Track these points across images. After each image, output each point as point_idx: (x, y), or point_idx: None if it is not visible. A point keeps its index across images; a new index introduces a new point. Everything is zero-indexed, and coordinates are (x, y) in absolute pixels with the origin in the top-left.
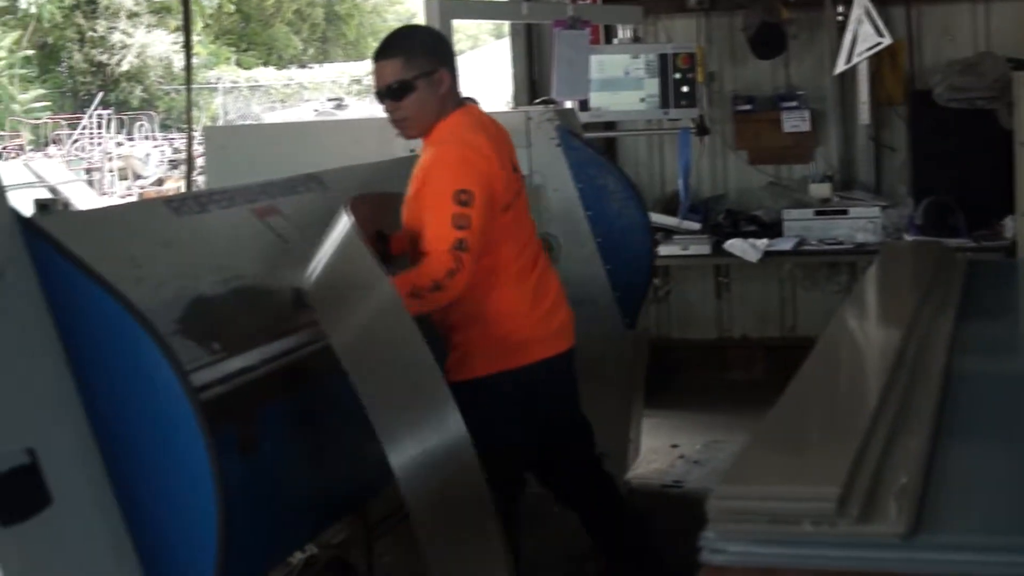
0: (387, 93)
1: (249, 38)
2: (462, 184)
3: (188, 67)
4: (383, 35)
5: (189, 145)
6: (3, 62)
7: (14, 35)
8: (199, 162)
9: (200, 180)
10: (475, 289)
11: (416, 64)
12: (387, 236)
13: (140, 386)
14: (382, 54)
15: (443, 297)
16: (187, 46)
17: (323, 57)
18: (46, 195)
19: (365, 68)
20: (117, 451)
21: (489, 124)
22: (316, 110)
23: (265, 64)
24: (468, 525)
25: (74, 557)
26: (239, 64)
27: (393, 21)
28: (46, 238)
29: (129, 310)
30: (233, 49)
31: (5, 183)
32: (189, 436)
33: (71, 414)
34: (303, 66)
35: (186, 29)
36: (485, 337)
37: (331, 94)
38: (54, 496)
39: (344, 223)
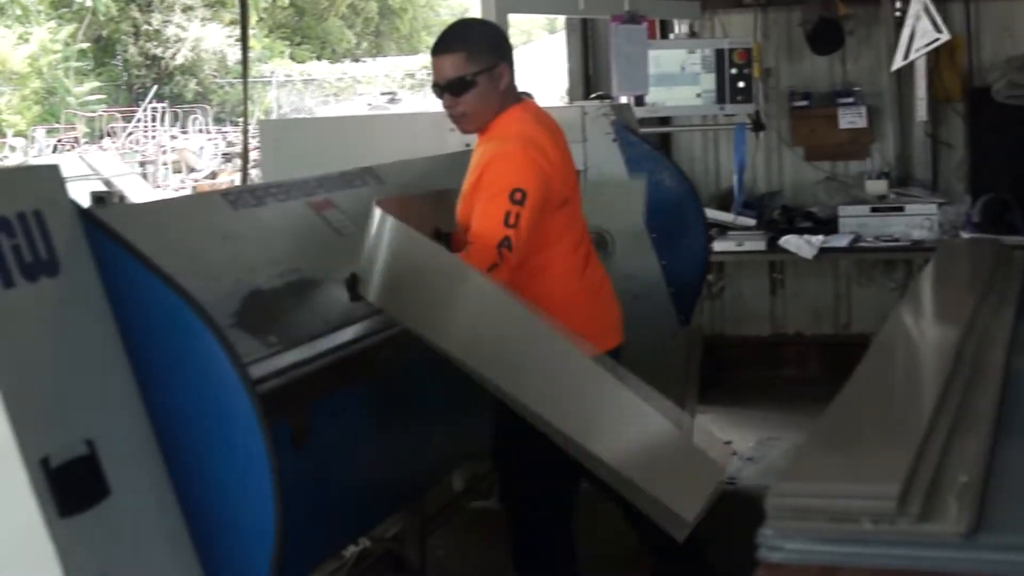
0: (447, 88)
1: (303, 32)
2: (520, 183)
3: (244, 61)
4: (436, 29)
5: (245, 139)
6: (59, 55)
7: (70, 28)
8: (253, 155)
9: (254, 173)
10: (535, 284)
11: (477, 60)
12: (447, 234)
13: (198, 378)
14: (442, 48)
15: None
16: (243, 40)
17: (376, 51)
18: (101, 188)
19: (418, 62)
20: (174, 442)
21: (546, 119)
22: (369, 104)
23: (318, 58)
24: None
25: (131, 548)
26: (293, 58)
27: (447, 15)
28: (105, 230)
29: (188, 302)
30: (287, 43)
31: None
32: (246, 429)
33: (129, 405)
34: (356, 60)
35: (243, 23)
36: None
37: (384, 88)
38: (112, 487)
39: (388, 225)
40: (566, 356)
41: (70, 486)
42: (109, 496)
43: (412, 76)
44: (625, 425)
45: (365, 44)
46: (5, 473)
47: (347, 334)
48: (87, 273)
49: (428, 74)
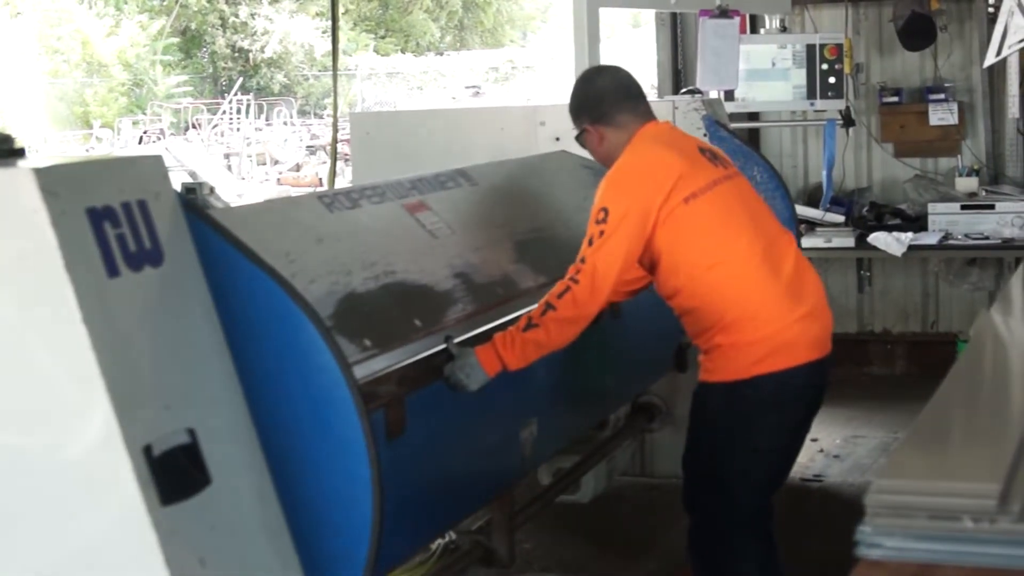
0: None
1: (387, 25)
2: (602, 204)
3: (335, 54)
4: (520, 23)
5: (334, 133)
6: (147, 47)
7: (159, 22)
8: (340, 147)
9: (339, 166)
10: (701, 287)
11: (577, 123)
12: None
13: (298, 368)
14: None
15: (555, 316)
16: (334, 33)
17: (460, 44)
18: (187, 179)
19: (502, 56)
20: (273, 432)
21: (664, 133)
22: (453, 97)
23: (403, 51)
24: None
25: (230, 536)
26: (377, 51)
27: (531, 9)
28: (208, 221)
29: (288, 292)
30: (371, 36)
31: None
32: (345, 419)
33: (230, 395)
34: (440, 53)
35: (333, 17)
36: (738, 340)
37: (468, 81)
38: (213, 476)
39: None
40: None
41: (172, 474)
42: (210, 485)
43: (496, 69)
44: None
45: (449, 37)
46: (109, 461)
47: (443, 336)
48: (190, 263)
49: (512, 67)
